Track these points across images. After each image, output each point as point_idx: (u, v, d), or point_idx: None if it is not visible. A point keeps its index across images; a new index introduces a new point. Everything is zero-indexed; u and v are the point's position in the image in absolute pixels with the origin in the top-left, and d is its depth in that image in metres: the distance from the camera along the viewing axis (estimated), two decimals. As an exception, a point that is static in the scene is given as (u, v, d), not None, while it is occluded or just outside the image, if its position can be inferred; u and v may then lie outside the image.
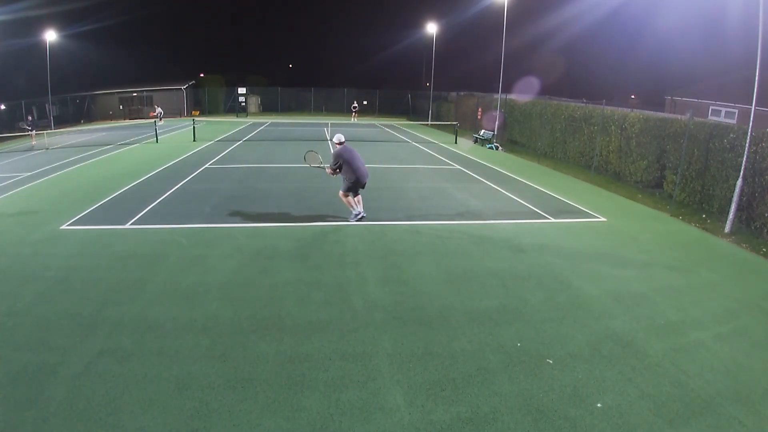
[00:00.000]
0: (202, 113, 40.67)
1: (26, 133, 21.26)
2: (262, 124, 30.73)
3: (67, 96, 34.32)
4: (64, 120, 33.52)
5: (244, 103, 40.04)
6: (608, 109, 14.46)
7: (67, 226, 8.39)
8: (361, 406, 3.78)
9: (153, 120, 25.36)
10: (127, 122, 34.80)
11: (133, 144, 20.78)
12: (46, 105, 30.63)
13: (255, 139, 22.12)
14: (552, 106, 17.93)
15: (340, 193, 8.65)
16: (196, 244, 7.51)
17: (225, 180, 12.42)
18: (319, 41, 69.27)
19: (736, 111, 21.36)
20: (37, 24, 29.07)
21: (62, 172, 14.04)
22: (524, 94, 22.72)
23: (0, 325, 4.91)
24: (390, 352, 4.56)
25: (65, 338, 4.68)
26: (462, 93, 31.83)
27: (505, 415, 3.72)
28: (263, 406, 3.76)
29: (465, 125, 26.32)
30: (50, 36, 28.37)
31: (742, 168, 8.92)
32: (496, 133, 21.48)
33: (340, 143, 8.50)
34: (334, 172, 8.53)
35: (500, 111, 21.97)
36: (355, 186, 8.47)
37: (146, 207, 9.58)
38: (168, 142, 21.07)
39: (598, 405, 3.85)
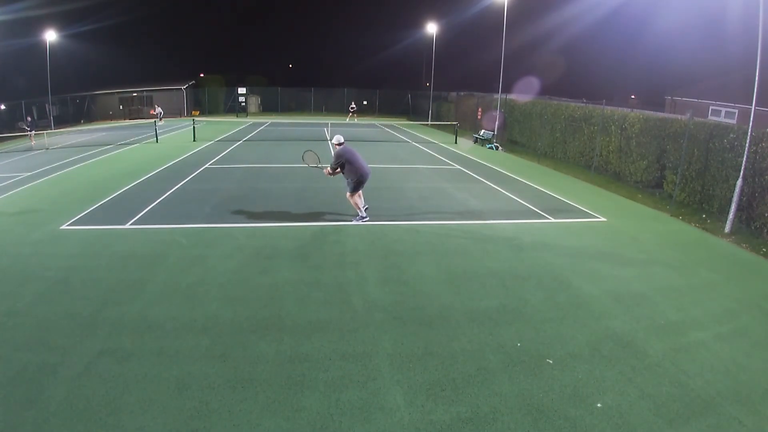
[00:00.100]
0: (202, 113, 40.66)
1: (26, 134, 21.24)
2: (262, 124, 30.72)
3: (67, 96, 34.32)
4: (64, 120, 33.51)
5: (244, 103, 40.04)
6: (608, 109, 14.46)
7: (67, 226, 8.39)
8: (361, 406, 3.78)
9: (153, 120, 25.34)
10: (127, 122, 34.81)
11: (133, 144, 20.78)
12: (46, 105, 30.63)
13: (255, 139, 22.12)
14: (552, 106, 17.93)
15: (348, 194, 8.73)
16: (196, 244, 7.51)
17: (225, 180, 12.42)
18: (319, 41, 69.35)
19: (736, 111, 21.36)
20: (37, 24, 29.10)
21: (62, 172, 14.04)
22: (524, 94, 22.71)
23: (0, 325, 4.92)
24: (390, 352, 4.56)
25: (65, 338, 4.68)
26: (462, 93, 31.83)
27: (505, 415, 3.72)
28: (263, 406, 3.76)
29: (465, 125, 26.32)
30: (50, 36, 28.37)
31: (742, 168, 8.92)
32: (496, 133, 21.48)
33: (340, 144, 8.58)
34: (334, 172, 8.57)
35: (500, 111, 21.97)
36: (359, 185, 8.54)
37: (146, 207, 9.58)
38: (168, 142, 21.07)
39: (598, 405, 3.85)
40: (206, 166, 14.57)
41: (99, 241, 7.63)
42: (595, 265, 6.94)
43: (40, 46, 28.48)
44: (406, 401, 3.85)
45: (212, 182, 12.16)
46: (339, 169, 8.51)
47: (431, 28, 33.73)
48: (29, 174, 13.70)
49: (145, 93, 38.97)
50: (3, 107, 28.80)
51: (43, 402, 3.74)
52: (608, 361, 4.48)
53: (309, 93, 44.65)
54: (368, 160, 8.92)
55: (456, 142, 22.19)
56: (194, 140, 21.12)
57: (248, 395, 3.89)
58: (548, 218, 9.42)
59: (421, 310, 5.41)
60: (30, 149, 20.10)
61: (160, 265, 6.59)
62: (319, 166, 9.13)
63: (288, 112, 42.69)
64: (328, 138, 21.89)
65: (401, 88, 45.05)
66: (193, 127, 22.82)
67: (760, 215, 8.77)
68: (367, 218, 8.75)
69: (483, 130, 22.40)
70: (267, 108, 43.76)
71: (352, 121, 34.58)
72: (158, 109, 31.96)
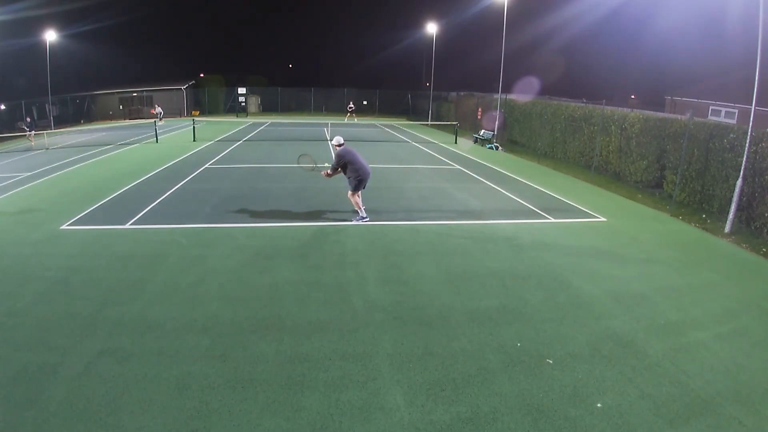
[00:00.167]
0: (202, 113, 40.66)
1: (25, 134, 21.25)
2: (262, 124, 30.72)
3: (67, 96, 34.31)
4: (64, 120, 33.51)
5: (244, 103, 40.04)
6: (608, 109, 14.46)
7: (67, 226, 8.39)
8: (361, 406, 3.78)
9: (153, 120, 25.34)
10: (127, 122, 34.80)
11: (133, 144, 20.78)
12: (46, 105, 30.62)
13: (255, 139, 22.12)
14: (552, 106, 17.93)
15: (349, 194, 8.76)
16: (196, 244, 7.51)
17: (225, 180, 12.42)
18: (319, 41, 69.33)
19: (736, 111, 21.36)
20: (37, 24, 29.10)
21: (62, 172, 14.04)
22: (524, 94, 22.72)
23: (0, 325, 4.92)
24: (390, 352, 4.56)
25: (65, 338, 4.68)
26: (462, 93, 31.83)
27: (505, 415, 3.72)
28: (263, 406, 3.76)
29: (465, 125, 26.32)
30: (50, 36, 28.37)
31: (742, 168, 8.92)
32: (496, 133, 21.48)
33: (340, 145, 8.64)
34: (335, 172, 8.60)
35: (500, 111, 21.97)
36: (360, 184, 8.58)
37: (146, 207, 9.58)
38: (168, 142, 21.07)
39: (598, 405, 3.85)
40: (206, 166, 14.57)
41: (99, 241, 7.63)
42: (595, 265, 6.94)
43: (40, 46, 28.48)
44: (406, 401, 3.85)
45: (212, 182, 12.16)
46: (339, 170, 8.54)
47: (431, 28, 33.73)
48: (29, 174, 13.70)
49: (145, 93, 38.97)
50: (3, 107, 28.79)
51: (43, 402, 3.74)
52: (608, 361, 4.48)
53: (309, 93, 44.64)
54: (368, 160, 8.93)
55: (456, 142, 22.19)
56: (194, 140, 21.12)
57: (248, 395, 3.89)
58: (548, 218, 9.42)
59: (421, 310, 5.41)
60: (29, 149, 20.10)
61: (160, 265, 6.59)
62: (316, 167, 9.11)
63: (288, 112, 42.69)
64: (328, 138, 21.89)
65: (401, 88, 45.07)
66: (193, 127, 22.82)
67: (760, 215, 8.77)
68: (367, 218, 8.76)
69: (483, 130, 22.40)
70: (267, 108, 43.75)
71: (351, 121, 34.57)
72: (158, 109, 31.96)
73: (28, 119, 22.31)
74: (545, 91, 27.76)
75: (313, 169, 9.19)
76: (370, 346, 4.66)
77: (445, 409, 3.77)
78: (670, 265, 7.09)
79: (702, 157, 10.47)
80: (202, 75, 45.70)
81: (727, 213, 9.12)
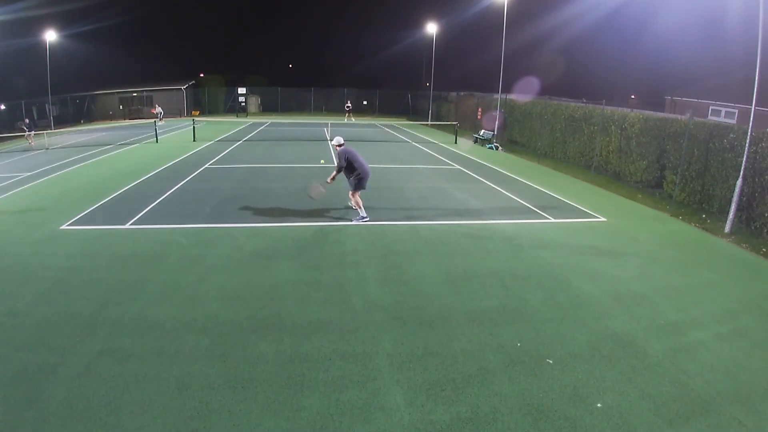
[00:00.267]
0: (202, 113, 40.65)
1: (23, 134, 21.26)
2: (262, 124, 30.72)
3: (67, 96, 34.30)
4: (64, 120, 33.50)
5: (244, 103, 40.04)
6: (608, 109, 14.46)
7: (67, 226, 8.39)
8: (361, 406, 3.78)
9: (153, 120, 25.34)
10: (127, 122, 34.80)
11: (133, 144, 20.78)
12: (46, 105, 30.61)
13: (255, 139, 22.12)
14: (552, 106, 17.93)
15: (350, 193, 8.82)
16: (196, 244, 7.51)
17: (225, 180, 12.42)
18: (319, 41, 69.20)
19: (736, 111, 21.36)
20: (37, 24, 29.08)
21: (62, 172, 14.04)
22: (524, 94, 22.71)
23: (0, 325, 4.92)
24: (390, 352, 4.56)
25: (65, 338, 4.68)
26: (462, 93, 31.81)
27: (505, 415, 3.72)
28: (263, 406, 3.76)
29: (465, 125, 26.32)
30: (50, 36, 28.36)
31: (742, 168, 8.92)
32: (496, 133, 21.48)
33: (340, 145, 8.69)
34: (338, 172, 8.61)
35: (500, 111, 21.97)
36: (361, 183, 8.63)
37: (146, 207, 9.58)
38: (168, 142, 21.07)
39: (598, 405, 3.85)
40: (206, 166, 14.57)
41: (99, 241, 7.63)
42: (595, 265, 6.95)
43: (40, 46, 28.46)
44: (406, 401, 3.85)
45: (212, 182, 12.16)
46: (347, 169, 8.56)
47: (431, 28, 33.72)
48: (29, 174, 13.70)
49: (145, 93, 38.97)
50: (3, 107, 28.78)
51: (43, 402, 3.74)
52: (608, 361, 4.48)
53: (309, 93, 44.63)
54: (368, 160, 8.94)
55: (456, 142, 22.19)
56: (194, 140, 21.11)
57: (248, 395, 3.89)
58: (548, 218, 9.42)
59: (421, 310, 5.41)
60: (28, 149, 20.09)
61: (160, 265, 6.59)
62: (326, 183, 9.00)
63: (288, 112, 42.67)
64: (328, 138, 21.89)
65: (401, 88, 45.04)
66: (193, 127, 22.82)
67: (760, 215, 8.77)
68: (368, 218, 8.77)
69: (483, 130, 22.40)
70: (267, 108, 43.75)
71: (349, 121, 34.56)
72: (159, 109, 31.96)
73: (27, 120, 22.31)
74: (545, 91, 27.75)
75: (323, 186, 9.11)
76: (370, 346, 4.66)
77: (445, 409, 3.77)
78: (670, 265, 7.09)
79: (702, 157, 10.47)
80: (202, 75, 45.71)
81: (727, 213, 9.12)
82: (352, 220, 8.78)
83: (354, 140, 20.14)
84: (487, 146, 20.68)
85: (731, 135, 9.74)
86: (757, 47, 8.55)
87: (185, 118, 35.80)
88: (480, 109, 25.53)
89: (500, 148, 20.23)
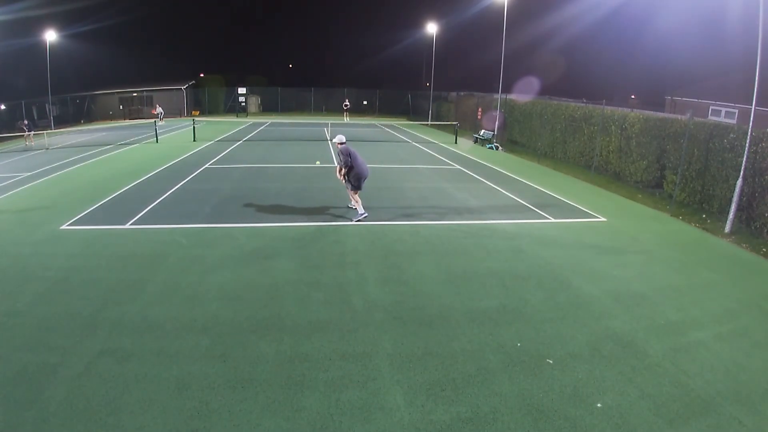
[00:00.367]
0: (202, 113, 40.63)
1: (23, 134, 21.26)
2: (262, 124, 30.72)
3: (67, 96, 34.28)
4: (64, 120, 33.48)
5: (244, 103, 40.01)
6: (608, 109, 14.46)
7: (67, 226, 8.39)
8: (361, 406, 3.78)
9: (153, 120, 25.34)
10: (127, 122, 34.79)
11: (133, 144, 20.77)
12: (46, 105, 30.60)
13: (255, 139, 22.11)
14: (552, 106, 17.92)
15: (350, 192, 8.86)
16: (196, 244, 7.51)
17: (225, 180, 12.42)
18: (319, 41, 69.19)
19: (736, 111, 21.36)
20: (37, 24, 29.06)
21: (62, 172, 14.03)
22: (524, 94, 22.71)
23: (0, 325, 4.92)
24: (390, 352, 4.56)
25: (65, 338, 4.68)
26: (462, 93, 31.80)
27: (505, 415, 3.72)
28: (263, 406, 3.76)
29: (465, 125, 26.31)
30: (50, 36, 28.36)
31: (742, 168, 8.92)
32: (496, 133, 21.47)
33: (342, 143, 8.68)
34: (346, 167, 8.58)
35: (500, 111, 21.97)
36: (358, 182, 8.67)
37: (146, 207, 9.58)
38: (168, 142, 21.07)
39: (598, 405, 3.85)
40: (206, 166, 14.57)
41: (99, 241, 7.63)
42: (595, 265, 6.95)
43: (40, 46, 28.45)
44: (406, 401, 3.85)
45: (212, 182, 12.16)
46: (349, 168, 8.57)
47: (431, 28, 33.70)
48: (29, 174, 13.70)
49: (145, 93, 38.95)
50: (3, 107, 28.78)
51: (43, 402, 3.74)
52: (608, 361, 4.48)
53: (309, 93, 44.62)
54: (368, 160, 8.97)
55: (456, 142, 22.19)
56: (194, 140, 21.11)
57: (248, 395, 3.89)
58: (548, 218, 9.42)
59: (421, 310, 5.41)
60: (28, 149, 20.08)
61: (160, 265, 6.59)
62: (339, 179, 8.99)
63: (288, 112, 42.67)
64: (328, 138, 21.90)
65: (401, 88, 45.01)
66: (193, 127, 22.82)
67: (760, 215, 8.77)
68: (367, 215, 8.80)
69: (483, 130, 22.39)
70: (267, 108, 43.72)
71: (348, 121, 34.56)
72: (159, 109, 31.95)
73: (26, 121, 22.31)
74: (545, 91, 27.75)
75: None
76: (370, 346, 4.66)
77: (445, 409, 3.77)
78: (670, 265, 7.09)
79: (702, 157, 10.47)
80: (202, 75, 45.68)
81: (727, 213, 9.12)
82: (352, 220, 8.79)
83: (354, 140, 20.13)
84: (487, 146, 20.68)
85: (731, 135, 9.74)
86: (757, 47, 8.55)
87: (185, 118, 35.80)
88: (480, 109, 25.52)
89: (500, 148, 20.23)
